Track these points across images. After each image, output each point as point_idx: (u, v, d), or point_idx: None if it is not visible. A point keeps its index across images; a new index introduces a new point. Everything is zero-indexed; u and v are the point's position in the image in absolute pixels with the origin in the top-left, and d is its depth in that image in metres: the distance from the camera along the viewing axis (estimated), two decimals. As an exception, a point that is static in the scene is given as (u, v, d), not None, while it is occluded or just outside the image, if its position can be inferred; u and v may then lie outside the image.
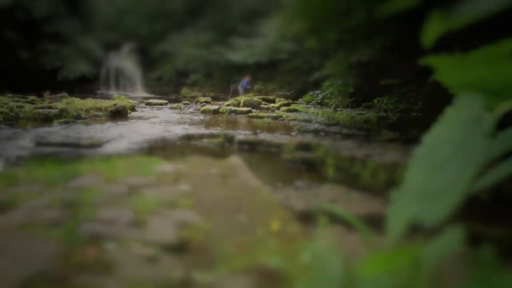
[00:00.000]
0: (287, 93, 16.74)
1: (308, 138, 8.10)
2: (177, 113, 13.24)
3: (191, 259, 1.45)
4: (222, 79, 19.22)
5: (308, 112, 12.84)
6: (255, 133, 8.79)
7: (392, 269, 0.50)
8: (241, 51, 14.93)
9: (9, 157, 5.43)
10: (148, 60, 21.14)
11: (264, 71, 17.37)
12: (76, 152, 6.01)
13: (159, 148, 6.58)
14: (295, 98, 15.70)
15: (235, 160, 3.51)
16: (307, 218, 2.71)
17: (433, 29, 0.53)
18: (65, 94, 12.98)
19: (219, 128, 9.74)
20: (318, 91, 9.88)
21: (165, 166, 3.03)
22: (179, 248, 1.54)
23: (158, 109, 14.48)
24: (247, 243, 1.45)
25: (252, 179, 2.80)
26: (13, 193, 2.08)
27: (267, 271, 1.31)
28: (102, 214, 1.79)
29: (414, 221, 0.48)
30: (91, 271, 1.25)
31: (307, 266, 1.15)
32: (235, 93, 18.44)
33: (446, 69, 0.58)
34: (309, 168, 5.68)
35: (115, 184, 2.38)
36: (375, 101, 9.82)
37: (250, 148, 7.01)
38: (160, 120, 10.91)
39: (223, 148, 6.68)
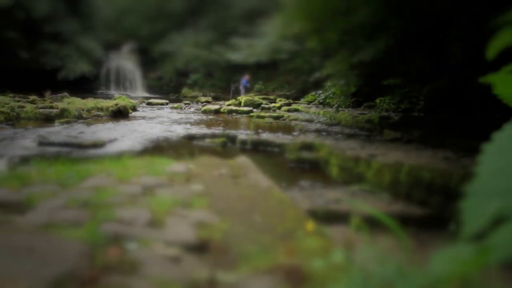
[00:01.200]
0: (288, 93, 16.76)
1: (310, 138, 8.12)
2: (178, 113, 13.26)
3: (213, 259, 1.46)
4: (222, 79, 19.22)
5: (309, 112, 12.87)
6: (257, 133, 8.81)
7: (464, 267, 0.51)
8: (241, 51, 14.96)
9: (12, 157, 5.43)
10: (148, 60, 21.12)
11: (264, 71, 17.39)
12: (80, 152, 6.01)
13: (163, 148, 6.59)
14: (295, 98, 15.72)
15: (244, 160, 3.52)
16: (316, 217, 2.73)
17: (500, 43, 0.54)
18: (66, 94, 12.98)
19: (221, 128, 9.77)
20: (320, 91, 9.91)
21: (175, 166, 3.04)
22: (199, 248, 1.55)
23: (159, 109, 14.49)
24: (294, 245, 1.46)
25: (262, 179, 2.81)
26: (29, 194, 2.09)
27: (292, 270, 1.32)
28: (120, 214, 1.80)
29: (499, 215, 0.48)
30: (118, 271, 1.25)
31: (339, 266, 1.17)
32: (236, 93, 18.45)
33: (501, 83, 0.60)
34: (312, 168, 5.70)
35: (128, 184, 2.39)
36: (377, 101, 9.86)
37: (252, 148, 7.03)
38: (161, 120, 10.92)
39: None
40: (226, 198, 2.22)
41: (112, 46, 20.52)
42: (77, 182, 2.41)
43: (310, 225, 1.73)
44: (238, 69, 17.05)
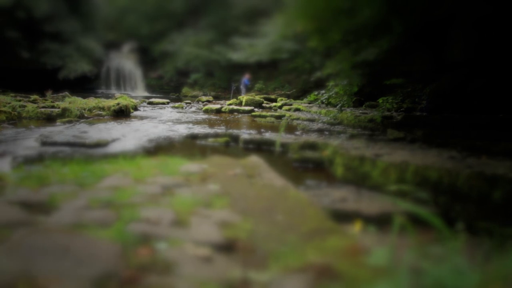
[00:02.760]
0: (288, 92, 16.80)
1: (313, 138, 8.13)
2: (180, 112, 13.25)
3: (242, 259, 1.48)
4: (223, 78, 19.26)
5: (311, 111, 12.89)
6: (259, 133, 8.82)
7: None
8: (243, 51, 14.98)
9: (18, 156, 5.43)
10: (148, 59, 21.10)
11: (265, 70, 17.42)
12: (86, 151, 6.00)
13: (169, 148, 6.59)
14: (296, 97, 15.76)
15: (256, 160, 3.54)
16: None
17: None
18: (66, 93, 12.95)
19: (223, 127, 9.79)
20: (323, 91, 9.94)
21: (189, 166, 3.05)
22: (228, 248, 1.56)
23: (160, 108, 14.48)
24: (361, 245, 1.47)
25: (276, 179, 2.82)
26: (49, 194, 2.09)
27: (323, 269, 1.33)
28: (144, 214, 1.81)
29: None
30: (153, 271, 1.26)
31: (377, 266, 1.18)
32: (236, 92, 18.48)
33: None
34: (317, 167, 5.71)
35: (146, 184, 2.39)
36: (380, 100, 9.89)
37: (255, 147, 7.04)
38: (163, 119, 10.91)
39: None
40: (244, 198, 2.24)
41: (112, 45, 20.48)
42: (94, 182, 2.41)
43: (358, 225, 1.74)
44: (238, 68, 17.09)
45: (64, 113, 10.68)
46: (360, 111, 11.00)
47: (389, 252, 1.11)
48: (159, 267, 1.29)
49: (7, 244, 1.30)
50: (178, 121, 10.74)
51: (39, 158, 4.82)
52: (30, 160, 4.78)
